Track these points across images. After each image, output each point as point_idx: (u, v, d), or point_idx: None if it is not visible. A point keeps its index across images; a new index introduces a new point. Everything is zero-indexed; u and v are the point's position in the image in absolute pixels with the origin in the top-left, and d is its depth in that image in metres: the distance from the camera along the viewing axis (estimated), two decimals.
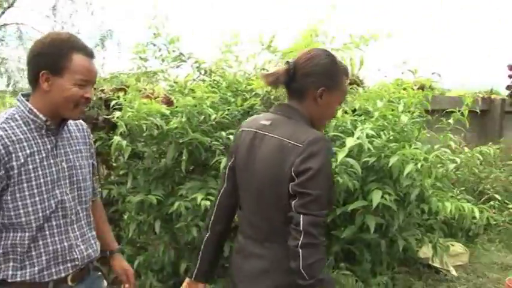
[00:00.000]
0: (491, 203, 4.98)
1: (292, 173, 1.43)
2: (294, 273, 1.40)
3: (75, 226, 1.60)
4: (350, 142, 2.57)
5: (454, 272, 4.01)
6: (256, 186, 1.55)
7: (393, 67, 3.36)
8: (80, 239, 1.62)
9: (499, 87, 7.65)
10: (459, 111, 3.17)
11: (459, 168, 4.18)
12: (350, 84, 3.20)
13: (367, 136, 2.71)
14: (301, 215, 1.39)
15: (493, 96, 8.14)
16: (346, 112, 3.05)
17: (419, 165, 2.72)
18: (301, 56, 1.56)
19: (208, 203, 2.57)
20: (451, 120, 3.21)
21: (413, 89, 3.32)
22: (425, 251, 3.75)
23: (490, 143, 3.85)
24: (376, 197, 2.62)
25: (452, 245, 3.95)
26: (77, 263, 1.59)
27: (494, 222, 4.79)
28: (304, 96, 1.54)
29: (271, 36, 3.21)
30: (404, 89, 3.34)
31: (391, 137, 2.89)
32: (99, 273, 1.80)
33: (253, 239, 1.59)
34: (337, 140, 2.84)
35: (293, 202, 1.42)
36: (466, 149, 3.31)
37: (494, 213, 4.82)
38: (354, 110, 3.16)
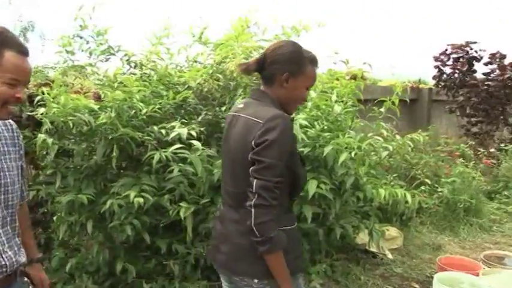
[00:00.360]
0: (422, 187, 5.22)
1: (253, 145, 1.62)
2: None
3: (0, 231, 1.50)
4: None
5: (390, 256, 4.15)
6: (230, 160, 1.78)
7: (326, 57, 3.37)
8: (6, 245, 1.51)
9: None
10: (390, 100, 3.25)
11: (391, 155, 4.33)
12: None
13: (301, 126, 2.74)
14: (255, 179, 1.58)
15: (420, 86, 8.51)
16: None
17: (353, 154, 2.78)
18: (270, 47, 1.78)
19: (141, 200, 2.49)
20: (382, 109, 3.29)
21: (345, 79, 3.36)
22: (362, 237, 3.85)
23: (420, 130, 3.99)
24: (312, 187, 2.66)
25: (388, 230, 4.09)
26: (4, 269, 1.49)
27: (426, 206, 5.03)
28: (273, 82, 1.75)
29: (202, 27, 3.15)
30: (337, 79, 3.38)
31: (325, 127, 2.93)
32: (26, 279, 1.71)
33: (230, 207, 1.80)
34: None
35: (251, 168, 1.61)
36: (398, 137, 3.39)
37: (425, 197, 5.05)
38: None
